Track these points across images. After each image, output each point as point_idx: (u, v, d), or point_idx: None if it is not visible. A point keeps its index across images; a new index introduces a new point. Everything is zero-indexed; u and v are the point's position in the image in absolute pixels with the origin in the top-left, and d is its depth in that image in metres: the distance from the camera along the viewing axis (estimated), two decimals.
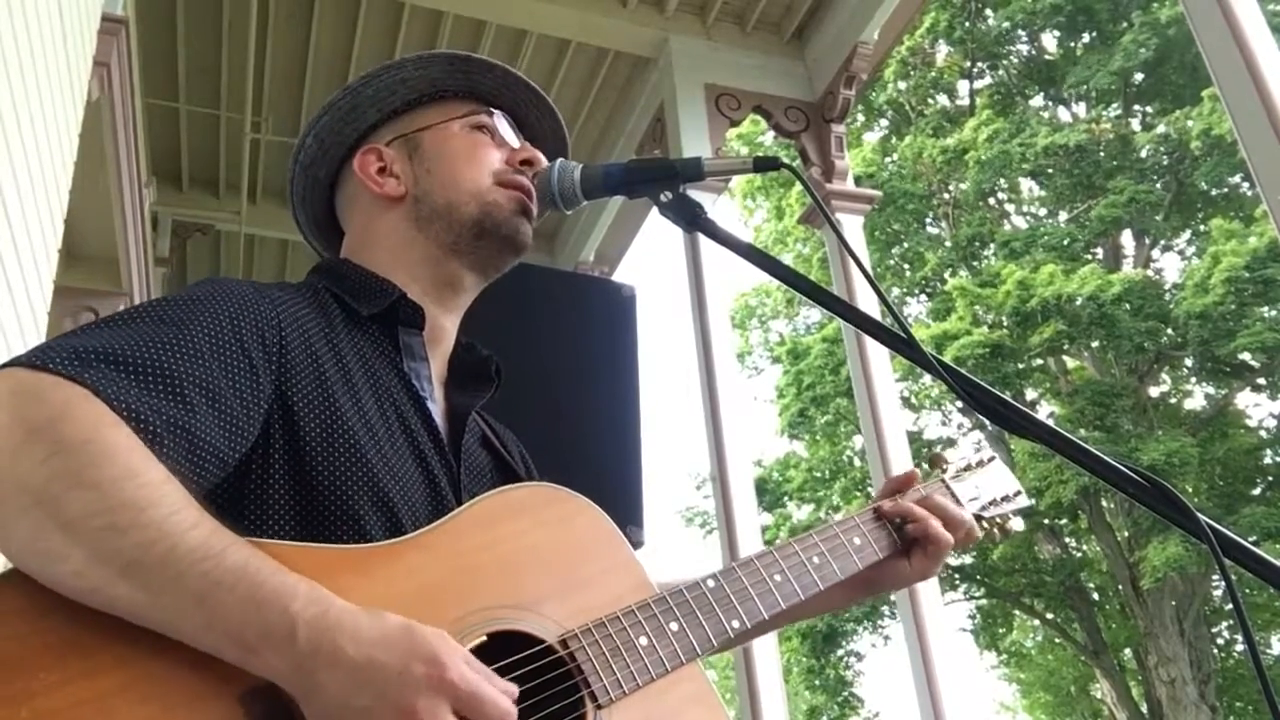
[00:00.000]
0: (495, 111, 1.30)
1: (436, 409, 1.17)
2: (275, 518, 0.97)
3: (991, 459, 1.49)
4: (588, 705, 0.95)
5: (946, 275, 16.40)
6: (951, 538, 1.31)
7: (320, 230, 1.35)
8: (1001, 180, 16.14)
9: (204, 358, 0.93)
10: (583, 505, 1.10)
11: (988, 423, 1.02)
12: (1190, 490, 12.77)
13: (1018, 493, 1.47)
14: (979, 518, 1.41)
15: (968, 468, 1.46)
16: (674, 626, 1.04)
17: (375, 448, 1.03)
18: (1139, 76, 15.47)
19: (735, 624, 1.10)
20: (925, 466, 1.50)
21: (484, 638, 0.92)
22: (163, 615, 0.79)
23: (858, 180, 10.54)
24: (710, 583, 1.11)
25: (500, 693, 0.83)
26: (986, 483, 1.46)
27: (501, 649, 0.93)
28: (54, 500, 0.78)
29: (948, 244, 16.63)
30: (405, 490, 1.04)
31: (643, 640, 1.01)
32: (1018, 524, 1.47)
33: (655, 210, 1.19)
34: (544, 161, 1.29)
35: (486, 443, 1.25)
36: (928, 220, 17.34)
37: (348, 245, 1.28)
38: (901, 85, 16.89)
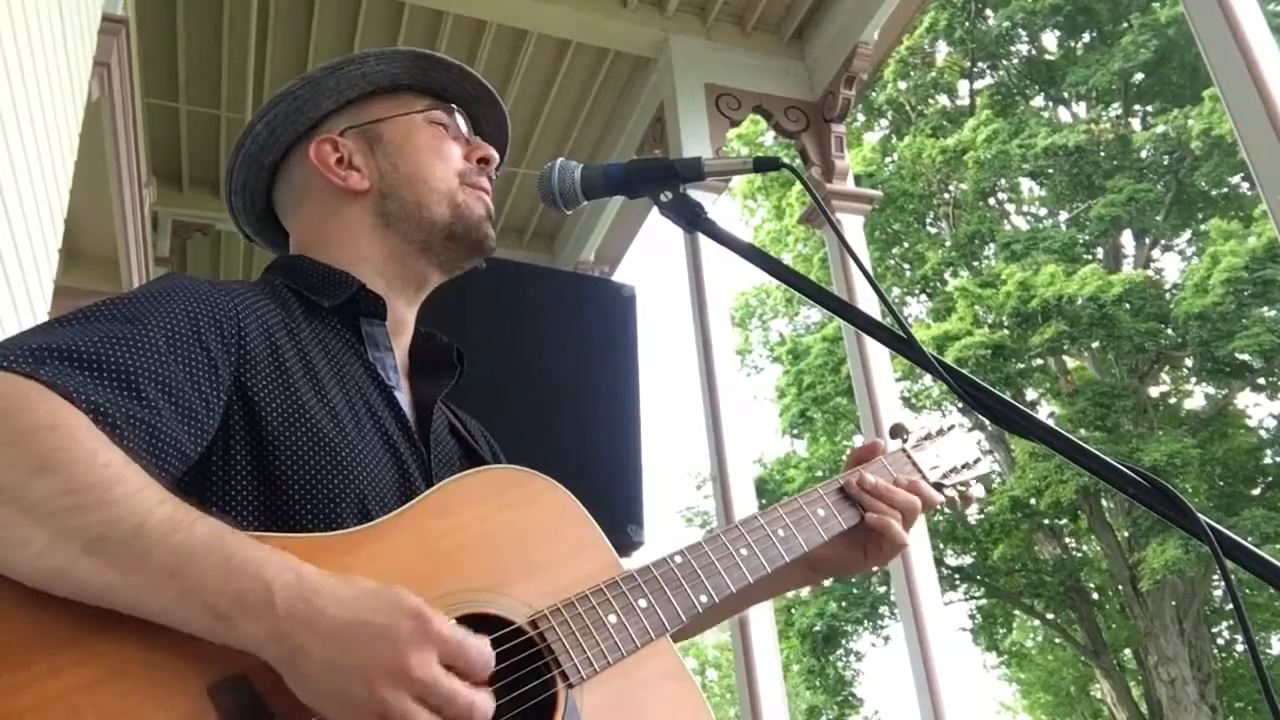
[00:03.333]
0: (454, 108, 1.29)
1: (403, 398, 1.17)
2: (239, 509, 0.96)
3: (951, 428, 1.50)
4: (559, 684, 0.95)
5: (946, 275, 16.41)
6: (904, 537, 1.30)
7: (257, 219, 1.34)
8: (1001, 180, 16.15)
9: (160, 353, 0.93)
10: (548, 486, 1.10)
11: (988, 423, 1.03)
12: (1190, 491, 12.77)
13: (978, 460, 1.49)
14: (940, 485, 1.42)
15: (928, 436, 1.48)
16: (642, 603, 1.04)
17: (341, 437, 1.03)
18: (1139, 76, 15.47)
19: (703, 599, 1.10)
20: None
21: (453, 621, 0.92)
22: (132, 592, 0.78)
23: (858, 180, 10.54)
24: (677, 559, 1.12)
25: (480, 642, 0.84)
26: (947, 451, 1.47)
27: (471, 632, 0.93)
28: (14, 487, 0.77)
29: (948, 244, 16.63)
30: (374, 479, 1.03)
31: (612, 618, 1.01)
32: (979, 490, 1.48)
33: (655, 210, 1.19)
34: (497, 159, 1.30)
35: (454, 430, 1.25)
36: (928, 220, 17.35)
37: (301, 240, 1.26)
38: (901, 85, 16.89)
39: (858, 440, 15.44)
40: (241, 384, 1.00)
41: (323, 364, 1.08)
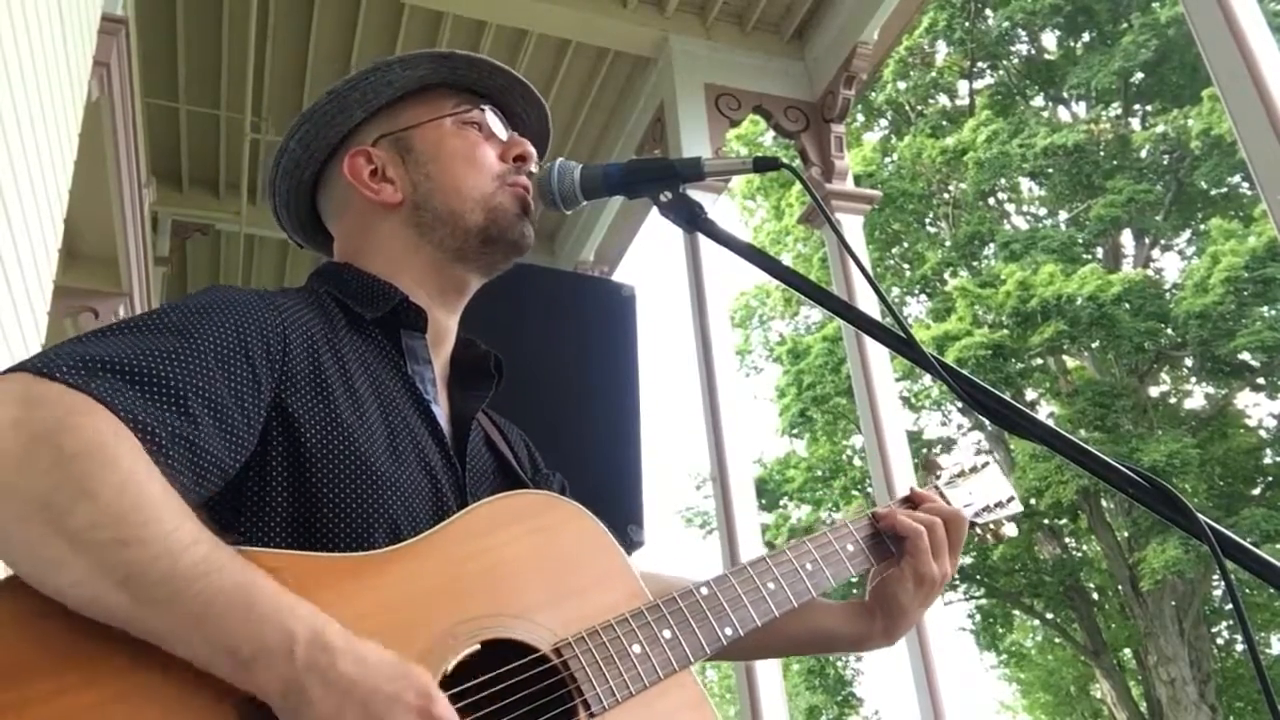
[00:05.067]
0: (485, 107, 1.28)
1: (441, 412, 1.17)
2: (271, 526, 0.96)
3: (986, 465, 1.48)
4: (580, 714, 0.95)
5: (946, 275, 16.41)
6: (937, 573, 1.27)
7: (305, 229, 1.33)
8: (1001, 180, 16.15)
9: (209, 368, 0.93)
10: (576, 512, 1.09)
11: (988, 423, 1.02)
12: (1190, 491, 12.77)
13: (1011, 499, 1.46)
14: (971, 524, 1.40)
15: (961, 474, 1.46)
16: (667, 634, 1.04)
17: (377, 455, 1.02)
18: (1139, 76, 15.48)
19: (728, 631, 1.09)
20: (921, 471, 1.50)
21: (477, 645, 0.92)
22: (160, 628, 0.79)
23: (857, 180, 10.54)
24: (704, 590, 1.11)
25: None
26: (980, 489, 1.45)
27: (494, 657, 0.93)
28: (57, 509, 0.78)
29: (947, 244, 16.63)
30: (407, 497, 1.03)
31: (636, 648, 1.01)
32: (1011, 529, 1.46)
33: (655, 210, 1.18)
34: (535, 154, 1.28)
35: (490, 444, 1.24)
36: (927, 220, 17.35)
37: (344, 250, 1.26)
38: (901, 85, 16.89)
39: (857, 441, 15.44)
40: (281, 400, 1.00)
41: (362, 379, 1.08)
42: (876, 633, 1.30)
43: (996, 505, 1.45)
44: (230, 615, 0.79)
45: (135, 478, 0.81)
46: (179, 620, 0.79)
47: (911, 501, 1.35)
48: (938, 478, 1.44)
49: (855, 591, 1.38)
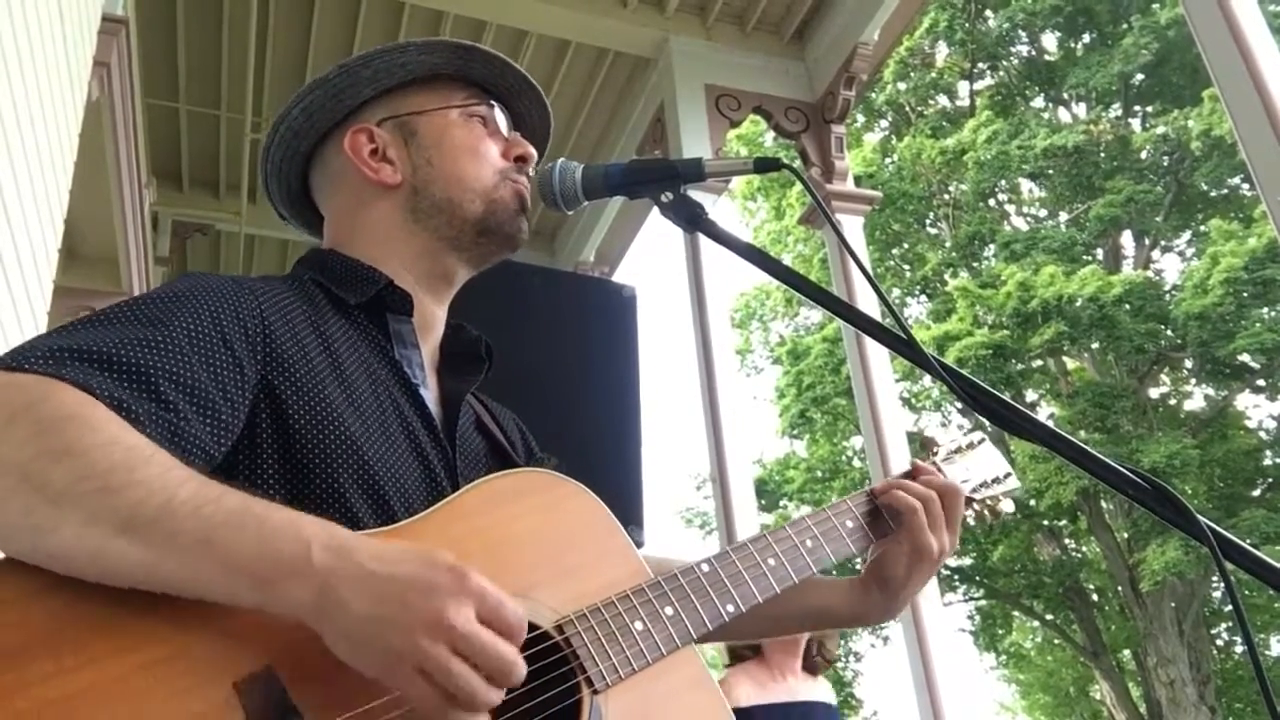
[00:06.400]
0: (495, 104, 1.28)
1: (430, 395, 1.16)
2: None
3: (982, 441, 1.47)
4: (584, 691, 0.95)
5: (946, 276, 16.43)
6: (935, 547, 1.24)
7: (293, 203, 1.32)
8: (1001, 181, 16.17)
9: (184, 353, 0.92)
10: (575, 490, 1.09)
11: (988, 424, 1.02)
12: (1190, 492, 12.77)
13: (1008, 474, 1.46)
14: (970, 500, 1.39)
15: (958, 450, 1.45)
16: (669, 611, 1.04)
17: (367, 436, 1.02)
18: (1139, 77, 15.49)
19: (730, 607, 1.09)
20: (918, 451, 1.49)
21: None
22: (170, 567, 0.78)
23: (858, 180, 10.55)
24: (705, 567, 1.11)
25: (516, 605, 0.83)
26: (977, 465, 1.45)
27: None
28: (40, 474, 0.77)
29: (948, 244, 16.65)
30: (399, 478, 1.03)
31: (638, 625, 1.01)
32: (1008, 506, 1.45)
33: (656, 210, 1.19)
34: (536, 157, 1.28)
35: (482, 426, 1.24)
36: (928, 221, 17.36)
37: (333, 233, 1.25)
38: (901, 86, 16.91)
39: (857, 441, 15.44)
40: (268, 382, 0.99)
41: (349, 362, 1.08)
42: (874, 608, 1.28)
43: (993, 481, 1.45)
44: (239, 537, 0.78)
45: (116, 434, 0.81)
46: (189, 554, 0.77)
47: (912, 475, 1.34)
48: (934, 454, 1.44)
49: (858, 566, 1.38)
